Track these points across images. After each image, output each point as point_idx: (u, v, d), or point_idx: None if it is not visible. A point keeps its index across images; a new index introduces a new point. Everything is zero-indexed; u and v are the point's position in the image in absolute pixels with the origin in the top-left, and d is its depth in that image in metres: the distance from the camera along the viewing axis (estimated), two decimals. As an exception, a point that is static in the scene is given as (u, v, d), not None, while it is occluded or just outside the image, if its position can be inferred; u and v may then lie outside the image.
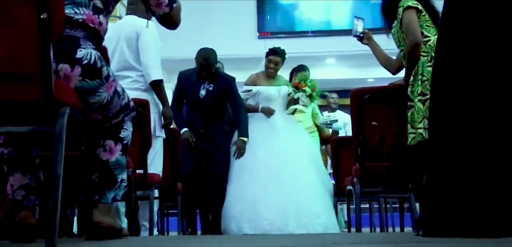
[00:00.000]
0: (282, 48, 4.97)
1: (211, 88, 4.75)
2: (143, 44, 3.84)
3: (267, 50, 5.01)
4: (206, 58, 4.66)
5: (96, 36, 2.21)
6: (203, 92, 4.74)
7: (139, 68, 3.87)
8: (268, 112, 4.84)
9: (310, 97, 4.90)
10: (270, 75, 4.93)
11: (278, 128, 4.80)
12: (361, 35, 3.43)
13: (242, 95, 4.90)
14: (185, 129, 4.61)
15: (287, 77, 5.38)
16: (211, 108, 4.75)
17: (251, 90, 4.91)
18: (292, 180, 4.47)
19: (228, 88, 4.88)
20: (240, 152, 4.67)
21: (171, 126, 4.16)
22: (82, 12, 2.15)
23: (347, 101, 3.73)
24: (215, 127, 4.79)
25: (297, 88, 4.87)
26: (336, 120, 5.89)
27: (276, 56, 4.91)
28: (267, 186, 4.44)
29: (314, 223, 4.31)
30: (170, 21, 2.47)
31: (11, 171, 2.25)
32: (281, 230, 4.22)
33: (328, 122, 5.74)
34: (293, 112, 5.15)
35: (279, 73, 5.06)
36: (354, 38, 3.47)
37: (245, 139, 4.70)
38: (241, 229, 4.35)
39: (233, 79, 4.95)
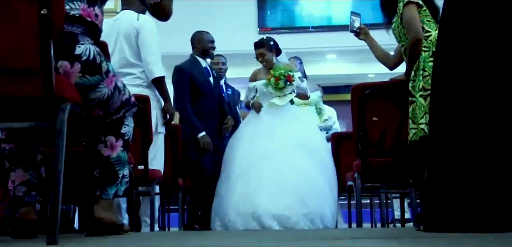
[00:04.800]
0: (270, 40, 4.78)
1: (215, 74, 4.74)
2: (144, 41, 3.82)
3: None
4: (213, 39, 4.67)
5: (94, 30, 2.20)
6: (211, 80, 4.65)
7: (140, 65, 3.86)
8: (257, 108, 4.67)
9: (276, 87, 4.56)
10: (265, 67, 4.77)
11: (263, 124, 4.58)
12: (358, 30, 3.44)
13: (248, 94, 4.83)
14: (203, 133, 4.38)
15: None
16: (218, 95, 4.68)
17: (251, 87, 4.81)
18: (259, 182, 4.22)
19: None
20: (227, 129, 4.66)
21: (176, 122, 4.13)
22: (77, 7, 2.15)
23: (348, 97, 3.73)
24: (218, 117, 4.71)
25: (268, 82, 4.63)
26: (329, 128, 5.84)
27: (258, 48, 4.75)
28: (235, 186, 4.28)
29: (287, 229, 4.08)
30: (161, 11, 2.43)
31: (13, 167, 2.26)
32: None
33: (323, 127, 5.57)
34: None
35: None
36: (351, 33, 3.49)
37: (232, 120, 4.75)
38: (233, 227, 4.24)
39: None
